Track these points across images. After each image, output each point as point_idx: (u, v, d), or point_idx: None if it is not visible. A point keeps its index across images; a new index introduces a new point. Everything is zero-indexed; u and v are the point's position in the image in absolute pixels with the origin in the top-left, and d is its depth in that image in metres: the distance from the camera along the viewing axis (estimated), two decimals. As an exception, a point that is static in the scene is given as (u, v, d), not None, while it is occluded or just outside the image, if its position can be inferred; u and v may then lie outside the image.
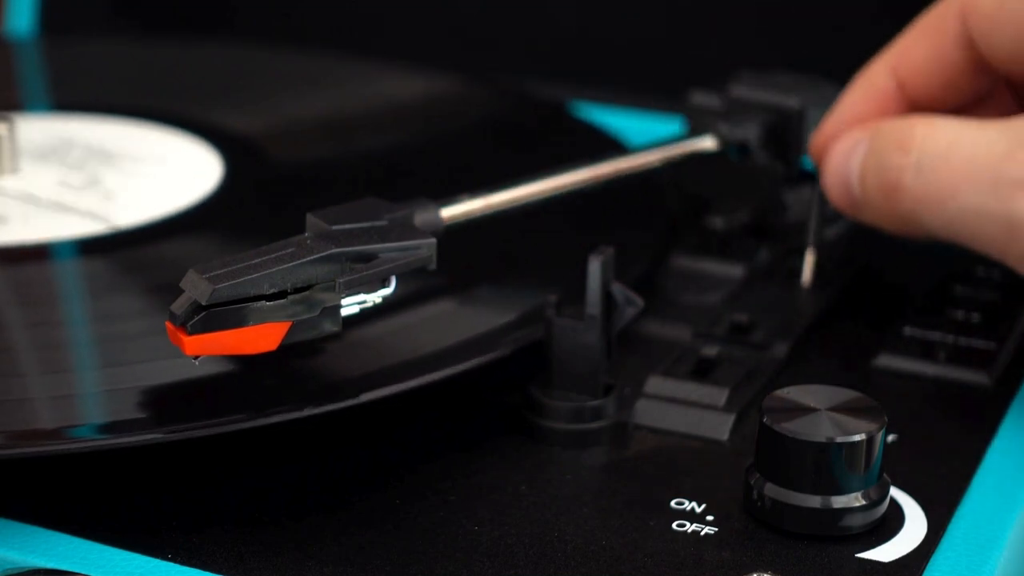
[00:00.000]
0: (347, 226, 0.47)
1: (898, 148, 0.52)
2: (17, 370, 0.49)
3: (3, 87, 0.73)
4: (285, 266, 0.45)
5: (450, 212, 0.51)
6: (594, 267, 0.49)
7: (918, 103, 0.56)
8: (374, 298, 0.47)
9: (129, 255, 0.56)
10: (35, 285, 0.54)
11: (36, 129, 0.66)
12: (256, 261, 0.45)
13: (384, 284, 0.47)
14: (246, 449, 0.48)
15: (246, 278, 0.44)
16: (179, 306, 0.44)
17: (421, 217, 0.50)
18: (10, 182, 0.61)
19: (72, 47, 0.77)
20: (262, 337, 0.45)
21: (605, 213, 0.58)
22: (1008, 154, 0.49)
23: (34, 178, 0.62)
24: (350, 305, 0.46)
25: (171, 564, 0.44)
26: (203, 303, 0.44)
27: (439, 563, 0.44)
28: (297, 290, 0.45)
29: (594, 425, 0.50)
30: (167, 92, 0.70)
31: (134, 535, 0.45)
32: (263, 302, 0.44)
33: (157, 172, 0.62)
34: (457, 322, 0.52)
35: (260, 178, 0.62)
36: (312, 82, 0.72)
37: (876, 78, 0.57)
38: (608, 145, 0.65)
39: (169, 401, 0.46)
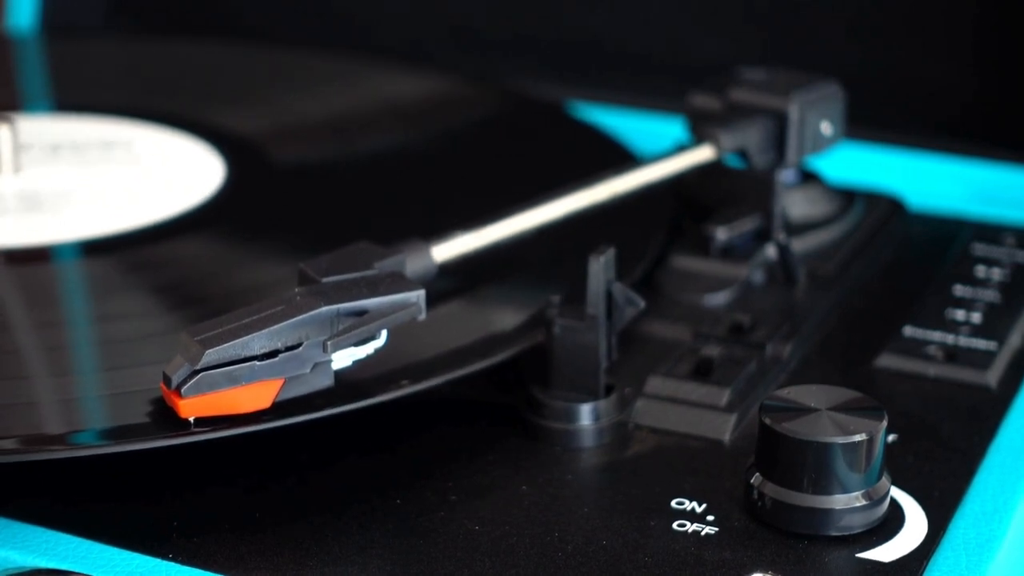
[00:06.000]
0: (336, 278, 0.47)
1: None
2: (23, 373, 0.49)
3: (3, 86, 0.73)
4: (275, 326, 0.45)
5: (443, 254, 0.51)
6: (594, 267, 0.49)
7: None
8: (366, 350, 0.47)
9: (134, 256, 0.56)
10: (37, 287, 0.54)
11: (37, 129, 0.66)
12: (247, 321, 0.45)
13: (375, 337, 0.47)
14: (246, 450, 0.48)
15: (236, 340, 0.45)
16: (172, 369, 0.45)
17: (413, 261, 0.50)
18: (11, 182, 0.61)
19: (73, 46, 0.77)
20: (255, 396, 0.45)
21: (605, 213, 0.58)
22: None
23: (35, 178, 0.61)
24: (342, 359, 0.47)
25: (172, 564, 0.44)
26: (195, 367, 0.44)
27: (439, 563, 0.44)
28: (288, 348, 0.45)
29: (594, 425, 0.50)
30: (167, 92, 0.70)
31: (135, 535, 0.45)
32: (255, 362, 0.45)
33: (159, 172, 0.62)
34: (457, 323, 0.52)
35: (262, 178, 0.62)
36: (312, 82, 0.72)
37: None
38: (606, 146, 0.65)
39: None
